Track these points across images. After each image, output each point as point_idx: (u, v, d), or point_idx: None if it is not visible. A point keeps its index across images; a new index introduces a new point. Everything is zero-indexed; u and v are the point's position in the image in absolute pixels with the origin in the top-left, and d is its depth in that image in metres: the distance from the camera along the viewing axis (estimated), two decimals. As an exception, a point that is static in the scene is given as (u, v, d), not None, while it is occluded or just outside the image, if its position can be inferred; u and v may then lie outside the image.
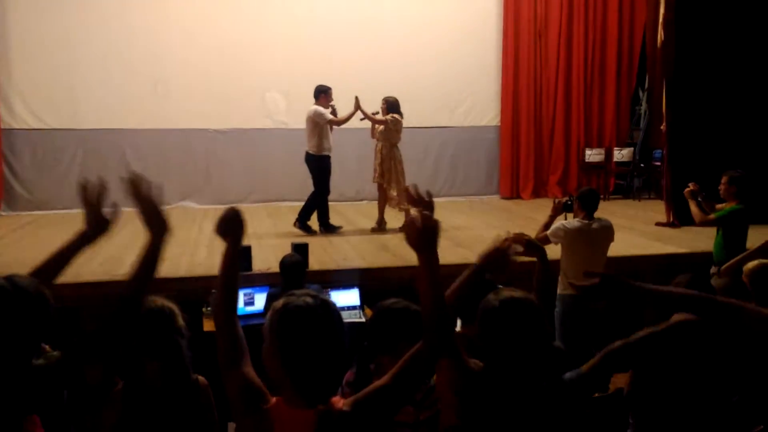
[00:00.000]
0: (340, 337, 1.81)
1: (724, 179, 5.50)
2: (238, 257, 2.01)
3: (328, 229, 8.01)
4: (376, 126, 8.20)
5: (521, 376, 2.17)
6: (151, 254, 2.05)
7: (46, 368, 1.89)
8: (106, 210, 2.07)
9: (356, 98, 8.14)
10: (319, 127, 7.99)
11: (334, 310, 1.84)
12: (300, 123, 9.81)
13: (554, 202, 5.46)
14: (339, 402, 1.81)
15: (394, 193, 8.06)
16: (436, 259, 1.90)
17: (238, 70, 10.34)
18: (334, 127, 8.24)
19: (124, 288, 2.02)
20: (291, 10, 10.54)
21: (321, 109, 8.03)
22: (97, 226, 2.12)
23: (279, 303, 1.83)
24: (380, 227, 8.22)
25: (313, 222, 8.12)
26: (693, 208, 5.51)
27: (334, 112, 8.15)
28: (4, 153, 9.75)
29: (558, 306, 4.98)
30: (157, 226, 2.05)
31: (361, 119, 8.21)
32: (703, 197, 5.59)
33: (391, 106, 8.14)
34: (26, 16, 9.77)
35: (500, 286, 2.45)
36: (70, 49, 9.92)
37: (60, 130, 10.01)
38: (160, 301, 2.57)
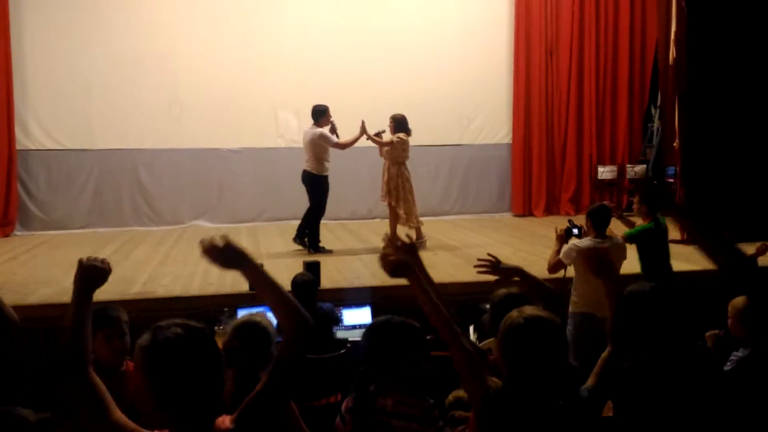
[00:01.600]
0: (211, 363, 1.78)
1: (636, 198, 5.50)
2: (87, 307, 1.94)
3: (318, 250, 7.94)
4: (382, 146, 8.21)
5: (541, 395, 2.15)
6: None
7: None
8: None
9: (362, 122, 8.14)
10: (320, 147, 8.01)
11: (202, 337, 1.80)
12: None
13: (556, 231, 5.35)
14: (225, 421, 1.80)
15: (401, 211, 8.05)
16: (417, 281, 2.10)
17: (250, 91, 10.42)
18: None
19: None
20: (302, 31, 10.62)
21: (326, 132, 8.04)
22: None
23: (145, 338, 1.80)
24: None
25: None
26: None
27: (333, 129, 8.15)
28: (19, 174, 9.84)
29: (570, 324, 4.93)
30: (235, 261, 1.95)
31: (367, 138, 8.21)
32: (619, 215, 5.81)
33: (399, 124, 8.14)
34: (42, 38, 9.91)
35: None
36: (85, 70, 10.04)
37: (75, 151, 10.11)
38: (259, 317, 2.80)
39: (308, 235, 8.05)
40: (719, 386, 2.52)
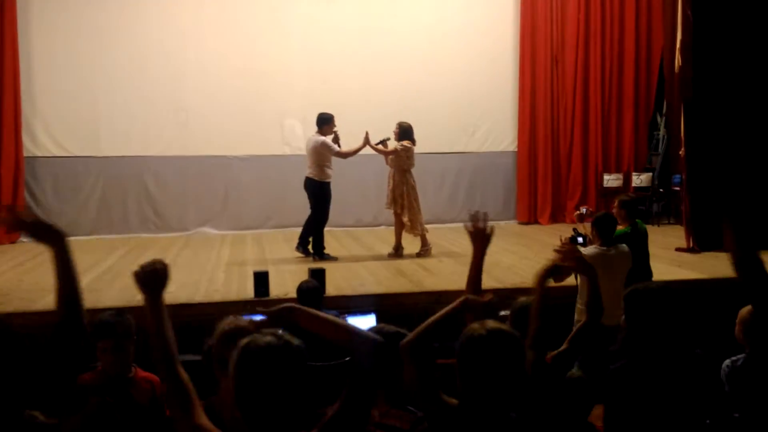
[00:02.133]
0: (298, 379, 1.78)
1: (615, 203, 5.79)
2: (161, 309, 1.98)
3: (323, 257, 7.94)
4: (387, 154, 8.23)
5: (496, 410, 2.13)
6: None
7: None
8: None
9: (366, 134, 8.18)
10: (322, 155, 8.03)
11: (295, 352, 1.80)
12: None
13: (560, 240, 5.35)
14: None
15: (406, 219, 8.06)
16: None
17: (256, 98, 10.46)
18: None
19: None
20: (308, 39, 10.66)
21: (329, 141, 8.06)
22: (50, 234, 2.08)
23: (243, 340, 1.82)
24: (397, 253, 8.21)
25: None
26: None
27: (336, 138, 8.18)
28: (26, 180, 9.89)
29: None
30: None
31: (372, 148, 8.23)
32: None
33: (404, 131, 8.17)
34: (49, 46, 9.97)
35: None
36: (92, 77, 10.09)
37: (81, 158, 10.16)
38: (244, 320, 2.71)
39: (313, 242, 8.06)
40: (712, 395, 2.54)
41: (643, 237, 5.72)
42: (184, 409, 1.83)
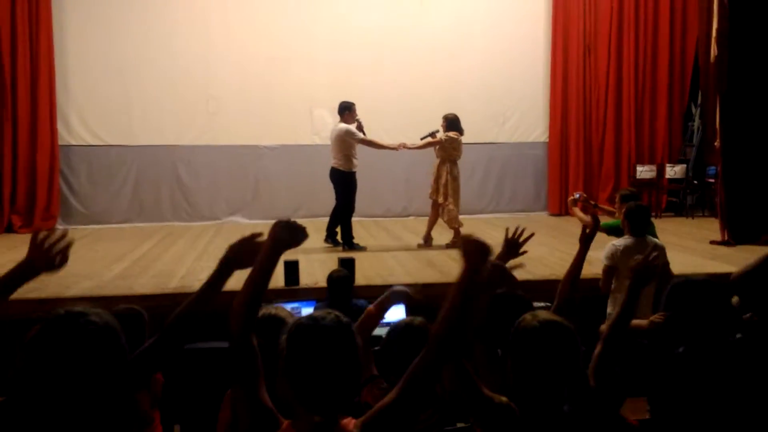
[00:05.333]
0: (349, 358, 1.78)
1: (617, 196, 5.85)
2: (272, 270, 1.98)
3: (352, 247, 7.94)
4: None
5: (550, 404, 2.07)
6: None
7: None
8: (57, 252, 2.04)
9: (402, 145, 8.28)
10: (347, 144, 8.01)
11: (345, 331, 1.80)
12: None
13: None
14: (350, 423, 1.78)
15: (452, 206, 8.05)
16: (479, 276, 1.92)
17: (285, 88, 10.50)
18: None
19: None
20: (338, 28, 10.67)
21: (352, 128, 8.03)
22: (45, 265, 2.05)
23: (296, 319, 1.84)
24: (426, 243, 8.20)
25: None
26: (577, 213, 6.02)
27: (360, 126, 8.15)
28: (61, 168, 10.06)
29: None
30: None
31: (422, 145, 8.27)
32: (594, 204, 6.41)
33: (451, 123, 8.15)
34: (83, 37, 10.11)
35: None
36: (126, 68, 10.22)
37: (115, 147, 10.30)
38: (282, 310, 2.69)
39: (341, 232, 8.07)
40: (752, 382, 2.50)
41: (652, 230, 5.60)
42: (252, 382, 1.84)
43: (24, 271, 2.04)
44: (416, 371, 1.81)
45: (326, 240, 8.10)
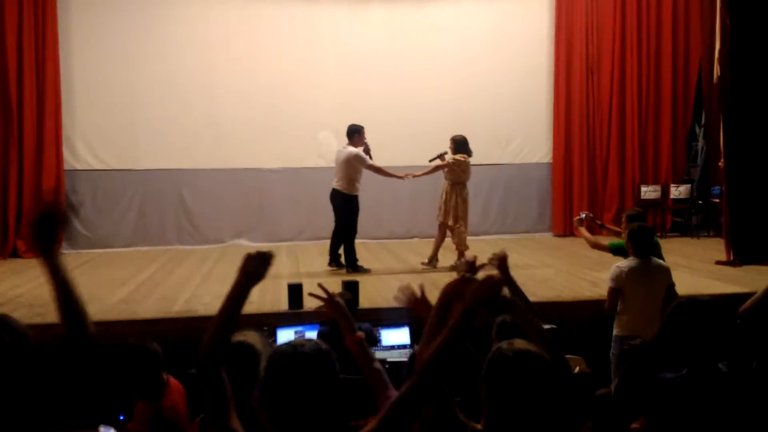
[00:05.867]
0: (329, 387, 1.74)
1: (623, 217, 5.80)
2: (242, 303, 1.96)
3: (356, 269, 7.91)
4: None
5: None
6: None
7: None
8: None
9: (408, 175, 8.27)
10: (353, 167, 7.99)
11: (326, 359, 1.77)
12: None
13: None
14: None
15: (462, 229, 8.03)
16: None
17: (289, 111, 10.55)
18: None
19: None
20: (342, 51, 10.73)
21: (362, 153, 8.02)
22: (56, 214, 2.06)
23: (276, 347, 1.81)
24: (430, 264, 8.17)
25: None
26: (583, 233, 6.01)
27: (367, 150, 8.14)
28: (66, 192, 10.09)
29: (614, 348, 4.84)
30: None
31: (432, 170, 8.26)
32: (600, 224, 6.52)
33: (459, 145, 8.17)
34: (89, 62, 10.18)
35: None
36: (130, 93, 10.29)
37: (120, 171, 10.34)
38: (252, 335, 2.61)
39: (345, 255, 8.04)
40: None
41: (657, 250, 5.57)
42: (222, 414, 1.82)
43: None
44: (402, 398, 1.80)
45: (330, 263, 8.08)
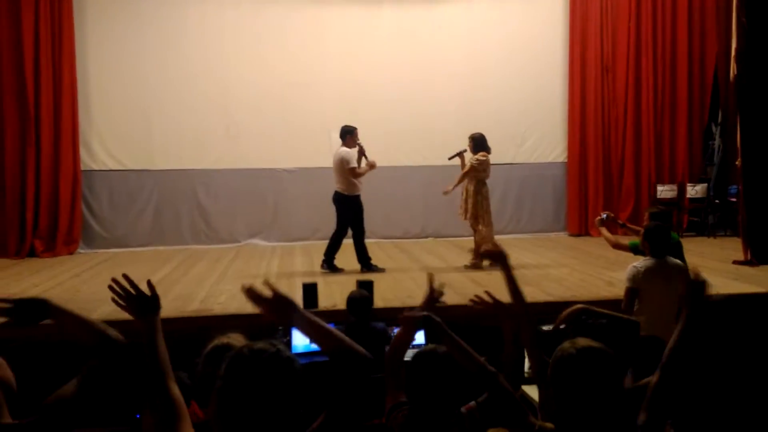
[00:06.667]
0: (285, 391, 1.66)
1: (646, 214, 5.77)
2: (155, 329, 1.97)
3: (370, 269, 7.88)
4: (464, 165, 8.15)
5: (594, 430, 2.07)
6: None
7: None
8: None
9: (446, 191, 8.14)
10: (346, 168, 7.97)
11: (285, 362, 1.68)
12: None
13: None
14: None
15: (482, 227, 8.01)
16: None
17: (303, 111, 10.57)
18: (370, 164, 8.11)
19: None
20: (353, 51, 10.74)
21: (347, 156, 7.98)
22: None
23: (235, 349, 1.76)
24: (474, 266, 7.99)
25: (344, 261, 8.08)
26: (604, 233, 5.96)
27: (362, 151, 8.09)
28: (83, 193, 10.18)
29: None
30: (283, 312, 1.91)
31: (453, 156, 8.19)
32: (621, 224, 6.44)
33: (478, 143, 8.14)
34: (105, 64, 10.27)
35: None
36: (146, 94, 10.36)
37: (136, 171, 10.42)
38: (236, 337, 2.62)
39: (358, 255, 8.03)
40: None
41: (678, 248, 5.54)
42: (171, 426, 1.79)
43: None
44: (339, 399, 1.82)
45: (322, 266, 7.97)
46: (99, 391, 1.78)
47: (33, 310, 1.91)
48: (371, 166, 8.06)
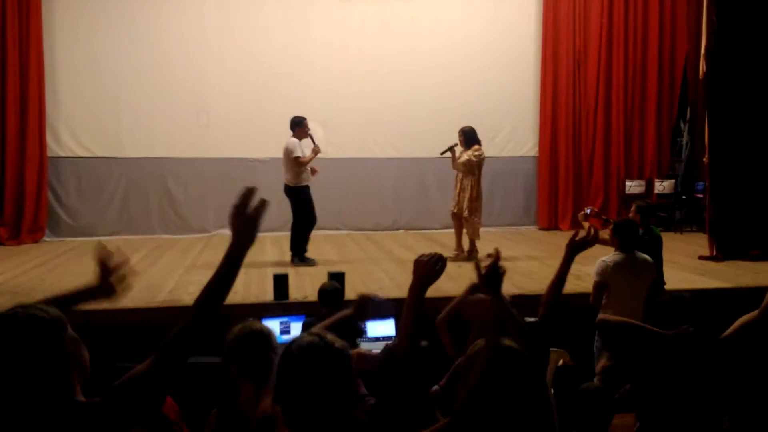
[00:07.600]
0: (339, 380, 1.73)
1: (632, 208, 5.72)
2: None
3: (303, 261, 7.81)
4: (456, 159, 8.09)
5: (492, 428, 2.07)
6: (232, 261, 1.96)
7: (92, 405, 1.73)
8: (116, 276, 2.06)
9: (316, 148, 8.02)
10: (293, 159, 7.90)
11: (337, 353, 1.75)
12: (340, 153, 9.90)
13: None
14: None
15: (476, 219, 8.01)
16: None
17: (276, 101, 10.46)
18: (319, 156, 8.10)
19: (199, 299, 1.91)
20: (331, 42, 10.68)
21: (291, 146, 7.91)
22: (105, 289, 2.08)
23: (289, 343, 1.79)
24: (471, 255, 8.03)
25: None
26: (602, 236, 5.76)
27: (313, 141, 8.03)
28: (49, 180, 10.00)
29: (597, 341, 4.87)
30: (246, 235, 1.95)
31: (445, 152, 8.15)
32: (603, 221, 6.16)
33: (469, 137, 8.12)
34: (73, 48, 10.08)
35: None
36: (115, 80, 10.19)
37: (104, 159, 10.25)
38: (258, 324, 2.65)
39: (293, 243, 7.92)
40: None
41: (658, 243, 5.62)
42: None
43: (89, 295, 2.00)
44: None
45: (293, 261, 7.87)
46: (172, 371, 1.77)
47: None
48: (315, 152, 7.97)
